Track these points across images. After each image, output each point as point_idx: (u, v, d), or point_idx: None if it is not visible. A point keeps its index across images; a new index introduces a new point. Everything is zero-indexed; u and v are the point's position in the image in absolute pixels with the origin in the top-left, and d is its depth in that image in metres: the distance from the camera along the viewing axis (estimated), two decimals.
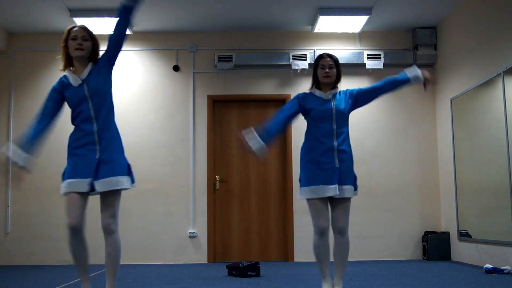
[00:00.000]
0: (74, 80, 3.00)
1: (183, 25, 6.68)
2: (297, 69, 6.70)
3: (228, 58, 6.64)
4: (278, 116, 3.52)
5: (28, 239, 6.45)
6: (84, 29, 3.04)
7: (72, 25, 3.09)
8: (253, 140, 3.34)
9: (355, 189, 3.45)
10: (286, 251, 6.60)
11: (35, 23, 6.50)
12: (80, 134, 2.98)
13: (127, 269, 5.77)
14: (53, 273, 5.43)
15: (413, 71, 3.47)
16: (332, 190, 3.30)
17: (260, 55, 6.74)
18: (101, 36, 7.47)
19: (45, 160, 6.52)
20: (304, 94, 3.54)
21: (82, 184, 2.89)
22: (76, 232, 2.90)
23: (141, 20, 6.46)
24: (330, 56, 3.49)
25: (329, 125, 3.39)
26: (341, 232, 3.38)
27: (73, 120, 3.02)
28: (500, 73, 5.15)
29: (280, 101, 6.81)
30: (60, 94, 3.04)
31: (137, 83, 6.75)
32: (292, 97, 6.63)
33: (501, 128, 5.12)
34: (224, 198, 6.70)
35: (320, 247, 3.38)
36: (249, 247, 6.63)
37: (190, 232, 6.51)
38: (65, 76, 3.06)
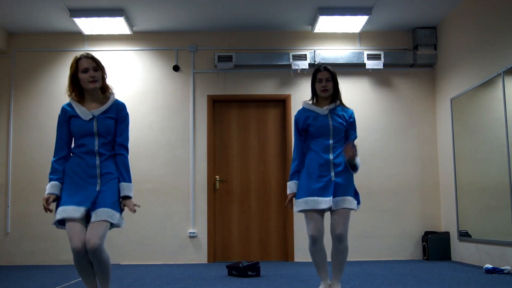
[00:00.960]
0: (83, 114, 2.93)
1: (183, 25, 6.68)
2: (297, 69, 6.70)
3: (228, 58, 6.64)
4: (294, 156, 3.58)
5: (28, 239, 6.45)
6: (92, 59, 2.94)
7: (78, 56, 2.96)
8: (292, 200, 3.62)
9: (358, 203, 3.47)
10: (286, 251, 6.60)
11: (35, 23, 6.50)
12: (82, 163, 2.92)
13: (127, 269, 5.77)
14: (53, 273, 5.43)
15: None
16: (326, 202, 3.35)
17: (260, 55, 6.74)
18: (102, 36, 7.48)
19: (46, 161, 6.52)
20: (300, 113, 3.56)
21: (77, 212, 2.85)
22: (82, 254, 2.91)
23: (141, 20, 6.46)
24: (326, 69, 3.50)
25: (326, 140, 3.44)
26: (339, 239, 3.38)
27: (76, 147, 2.96)
28: (500, 73, 5.15)
29: (280, 101, 6.81)
30: (67, 123, 2.95)
31: (137, 83, 6.75)
32: (292, 97, 6.73)
33: (501, 128, 5.12)
34: (224, 198, 6.70)
35: (314, 253, 3.50)
36: (249, 247, 6.63)
37: (190, 232, 6.51)
38: (68, 104, 2.97)
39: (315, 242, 3.45)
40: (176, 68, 6.79)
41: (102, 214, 2.87)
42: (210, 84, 6.79)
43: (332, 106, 3.49)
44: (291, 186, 3.52)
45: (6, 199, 6.53)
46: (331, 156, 3.39)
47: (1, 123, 6.66)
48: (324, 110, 3.47)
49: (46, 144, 6.56)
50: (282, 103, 6.82)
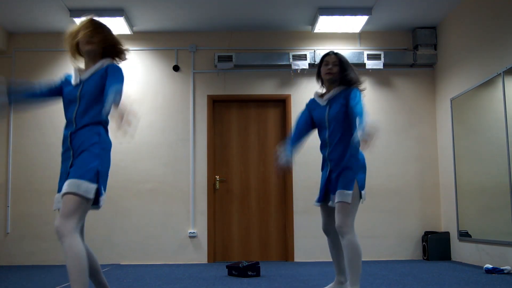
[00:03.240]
0: (75, 79, 2.75)
1: (183, 25, 6.68)
2: (297, 69, 6.70)
3: (228, 58, 6.64)
4: (294, 126, 3.56)
5: (28, 239, 6.45)
6: (94, 23, 2.81)
7: (82, 20, 2.82)
8: (281, 154, 3.46)
9: (360, 195, 3.24)
10: (286, 251, 6.60)
11: (35, 23, 6.50)
12: (63, 138, 2.72)
13: (127, 269, 5.77)
14: (53, 273, 5.43)
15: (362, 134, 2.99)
16: (316, 198, 3.42)
17: (260, 55, 6.74)
18: None
19: (45, 161, 6.53)
20: (311, 99, 3.54)
21: (59, 202, 2.56)
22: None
23: (141, 20, 6.46)
24: (335, 53, 3.42)
25: (324, 133, 3.39)
26: (340, 233, 3.21)
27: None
28: (500, 73, 5.15)
29: (280, 101, 6.81)
30: (61, 85, 2.82)
31: (137, 83, 6.75)
32: (292, 97, 6.73)
33: (501, 128, 5.12)
34: (224, 198, 6.70)
35: (328, 245, 3.50)
36: (249, 247, 6.63)
37: (190, 232, 6.51)
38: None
39: (327, 235, 3.48)
40: (176, 68, 6.79)
41: (65, 187, 2.46)
42: (210, 84, 6.79)
43: (333, 93, 3.36)
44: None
45: (6, 199, 6.53)
46: (326, 152, 3.35)
47: (1, 123, 6.66)
48: (324, 101, 3.40)
49: (46, 144, 6.57)
50: (282, 103, 6.82)
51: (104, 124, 2.74)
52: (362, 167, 3.31)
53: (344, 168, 3.26)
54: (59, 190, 2.61)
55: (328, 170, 3.35)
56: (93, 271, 2.74)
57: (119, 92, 2.51)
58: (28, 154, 6.59)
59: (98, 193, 2.57)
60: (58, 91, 2.84)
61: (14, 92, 2.79)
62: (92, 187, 2.50)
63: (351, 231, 3.16)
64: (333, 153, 3.31)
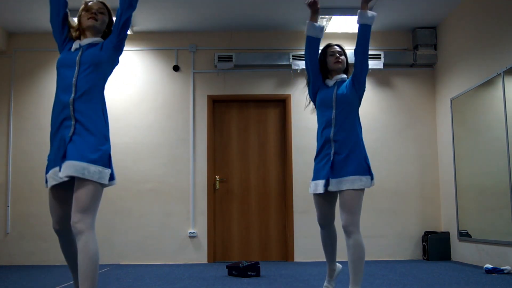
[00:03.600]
0: (74, 45, 2.68)
1: (183, 25, 6.68)
2: (297, 69, 6.70)
3: (228, 58, 6.64)
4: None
5: (28, 239, 6.45)
6: (101, 2, 2.77)
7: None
8: None
9: (371, 178, 3.11)
10: (286, 251, 6.60)
11: (35, 23, 6.50)
12: (58, 107, 2.51)
13: (127, 269, 5.77)
14: (53, 273, 5.43)
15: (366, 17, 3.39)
16: (320, 186, 3.15)
17: (260, 55, 6.74)
18: None
19: (45, 161, 6.52)
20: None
21: (55, 177, 2.42)
22: (62, 236, 2.57)
23: (141, 20, 6.46)
24: (337, 44, 3.54)
25: (328, 114, 3.27)
26: (345, 232, 3.04)
27: (56, 90, 2.59)
28: (500, 73, 5.15)
29: (280, 101, 6.81)
30: (66, 33, 2.74)
31: (137, 83, 6.75)
32: (292, 97, 6.73)
33: (501, 128, 5.12)
34: (224, 198, 6.70)
35: (322, 238, 3.36)
36: (249, 247, 6.63)
37: (190, 232, 6.51)
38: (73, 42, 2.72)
39: (322, 228, 3.32)
40: (176, 68, 6.79)
41: (70, 168, 2.31)
42: (210, 84, 6.79)
43: (341, 77, 3.44)
44: None
45: (6, 199, 6.53)
46: (331, 133, 3.18)
47: (1, 123, 6.66)
48: (331, 81, 3.44)
49: (46, 144, 6.52)
50: (282, 103, 6.82)
51: (103, 94, 2.64)
52: (366, 155, 3.20)
53: (351, 151, 3.12)
54: (54, 162, 2.47)
55: (332, 152, 3.16)
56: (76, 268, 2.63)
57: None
58: (28, 154, 6.58)
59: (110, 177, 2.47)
60: (63, 26, 2.76)
61: None
62: (107, 172, 2.40)
63: (358, 230, 3.03)
64: (339, 133, 3.18)
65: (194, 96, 6.76)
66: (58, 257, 6.31)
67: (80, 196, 2.31)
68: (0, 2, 5.86)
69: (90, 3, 2.75)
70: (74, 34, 2.74)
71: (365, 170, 3.10)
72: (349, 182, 3.06)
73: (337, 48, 3.50)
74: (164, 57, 6.82)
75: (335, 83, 3.42)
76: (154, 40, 6.84)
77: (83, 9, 2.73)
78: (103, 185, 2.42)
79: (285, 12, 6.28)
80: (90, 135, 2.42)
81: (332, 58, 3.46)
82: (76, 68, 2.56)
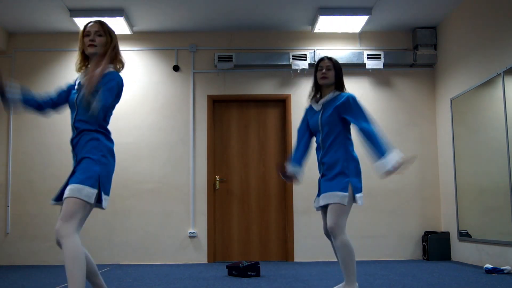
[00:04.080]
0: (76, 84, 2.81)
1: (183, 25, 6.68)
2: (297, 69, 6.70)
3: (228, 58, 6.64)
4: (297, 139, 3.66)
5: (28, 239, 6.45)
6: (99, 23, 2.78)
7: (88, 22, 2.82)
8: (288, 171, 3.59)
9: (355, 194, 3.28)
10: (286, 251, 6.60)
11: (35, 23, 6.50)
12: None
13: (127, 269, 5.77)
14: (53, 273, 5.43)
15: (389, 162, 3.13)
16: (316, 202, 3.49)
17: (260, 55, 6.74)
18: None
19: (45, 161, 6.54)
20: (308, 107, 3.60)
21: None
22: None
23: (141, 20, 6.46)
24: (329, 58, 3.49)
25: (318, 137, 3.46)
26: (331, 234, 3.26)
27: None
28: (500, 73, 5.15)
29: (280, 101, 6.81)
30: (69, 89, 2.86)
31: (137, 83, 6.75)
32: (292, 97, 6.73)
33: (501, 128, 5.12)
34: (224, 198, 6.70)
35: (333, 248, 3.49)
36: (249, 247, 6.63)
37: (190, 232, 6.51)
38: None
39: (328, 239, 3.51)
40: (176, 68, 6.79)
41: (67, 191, 2.58)
42: (210, 84, 6.79)
43: (327, 98, 3.42)
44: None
45: (6, 199, 6.53)
46: (320, 155, 3.43)
47: (1, 123, 6.66)
48: (318, 105, 3.46)
49: (46, 144, 6.57)
50: (282, 103, 6.83)
51: (102, 129, 2.76)
52: (357, 173, 3.35)
53: (337, 173, 3.31)
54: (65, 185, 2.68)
55: (321, 173, 3.44)
56: (90, 274, 2.81)
57: (103, 104, 2.59)
58: (28, 154, 6.59)
59: (100, 196, 2.66)
60: (67, 95, 2.87)
61: (26, 94, 2.80)
62: (93, 192, 2.60)
63: (342, 232, 3.22)
64: (326, 157, 3.37)
65: (194, 96, 6.76)
66: (58, 257, 6.32)
67: (66, 205, 2.58)
68: (0, 2, 5.86)
69: (88, 27, 2.79)
70: (79, 67, 2.85)
71: (343, 188, 3.26)
72: (326, 198, 3.31)
73: (326, 63, 3.46)
74: (164, 57, 6.82)
75: (322, 106, 3.45)
76: (154, 40, 6.84)
77: (83, 34, 2.79)
78: (88, 203, 2.60)
79: (285, 12, 6.28)
80: (82, 162, 2.67)
81: (319, 73, 3.46)
82: (75, 110, 2.75)
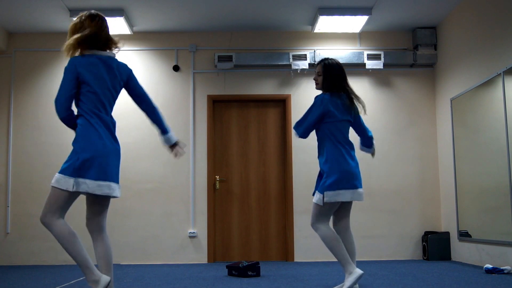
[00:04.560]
0: None
1: (183, 25, 6.68)
2: (297, 69, 6.70)
3: (228, 58, 6.64)
4: None
5: (28, 239, 6.45)
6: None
7: (102, 15, 3.02)
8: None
9: (319, 191, 3.59)
10: (286, 251, 6.60)
11: (35, 23, 6.50)
12: None
13: (127, 269, 5.77)
14: (53, 273, 5.43)
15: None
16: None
17: (260, 55, 6.74)
18: None
19: (45, 161, 6.54)
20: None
21: None
22: (90, 234, 3.00)
23: (141, 20, 6.46)
24: (322, 63, 3.65)
25: None
26: (313, 228, 3.67)
27: None
28: (500, 73, 5.15)
29: (280, 101, 6.81)
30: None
31: None
32: (292, 97, 6.73)
33: (501, 128, 5.12)
34: (224, 198, 6.70)
35: None
36: (249, 247, 6.63)
37: (190, 232, 6.51)
38: None
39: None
40: (176, 68, 6.79)
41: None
42: (210, 84, 6.79)
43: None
44: None
45: (6, 199, 6.53)
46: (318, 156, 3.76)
47: (1, 123, 6.66)
48: None
49: (46, 144, 6.57)
50: (282, 103, 6.82)
51: (87, 115, 2.83)
52: (338, 171, 3.52)
53: (320, 174, 3.63)
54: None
55: (319, 173, 3.71)
56: (102, 268, 2.90)
57: (56, 96, 2.82)
58: (28, 154, 6.59)
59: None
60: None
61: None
62: (60, 177, 2.73)
63: (318, 228, 3.56)
64: (319, 157, 3.70)
65: (194, 96, 6.76)
66: (58, 257, 6.32)
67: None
68: (0, 2, 5.86)
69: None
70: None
71: (320, 189, 3.57)
72: (314, 197, 3.65)
73: (318, 68, 3.67)
74: (164, 57, 6.82)
75: None
76: (154, 40, 6.84)
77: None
78: (61, 190, 2.74)
79: (285, 12, 6.28)
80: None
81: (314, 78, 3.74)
82: None
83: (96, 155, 2.76)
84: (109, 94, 2.92)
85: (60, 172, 2.73)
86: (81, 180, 2.72)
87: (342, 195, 3.49)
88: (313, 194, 3.66)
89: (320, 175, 3.63)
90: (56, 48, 6.74)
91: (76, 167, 2.71)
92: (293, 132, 3.65)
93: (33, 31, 6.75)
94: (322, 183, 3.54)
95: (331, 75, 3.58)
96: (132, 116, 6.66)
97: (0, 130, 6.64)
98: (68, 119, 2.82)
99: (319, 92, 3.74)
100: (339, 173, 3.50)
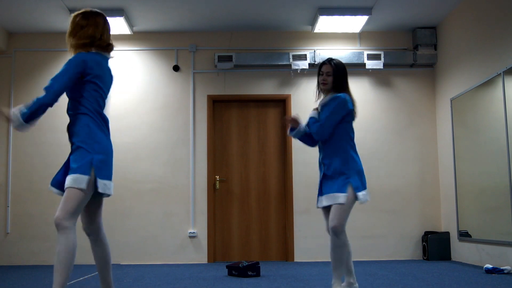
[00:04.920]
0: None
1: (183, 25, 6.68)
2: (297, 69, 6.70)
3: (228, 58, 6.64)
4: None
5: (28, 239, 6.45)
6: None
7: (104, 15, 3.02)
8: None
9: (356, 192, 3.32)
10: (286, 251, 6.60)
11: (35, 23, 6.50)
12: None
13: (127, 269, 5.77)
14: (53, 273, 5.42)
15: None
16: (319, 202, 3.47)
17: (260, 55, 6.73)
18: None
19: (45, 161, 6.53)
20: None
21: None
22: (89, 237, 2.94)
23: (141, 20, 6.46)
24: (330, 62, 3.48)
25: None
26: (334, 233, 3.30)
27: None
28: (500, 73, 5.15)
29: (280, 101, 6.81)
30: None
31: (137, 83, 6.75)
32: (292, 97, 6.73)
33: (501, 128, 5.12)
34: (224, 198, 6.70)
35: None
36: (249, 247, 6.63)
37: (190, 232, 6.51)
38: None
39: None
40: (176, 68, 6.79)
41: (66, 182, 2.72)
42: (210, 84, 6.79)
43: (325, 100, 3.48)
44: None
45: (6, 199, 6.53)
46: (321, 157, 3.49)
47: (1, 123, 6.66)
48: (318, 107, 3.55)
49: (46, 144, 6.57)
50: (282, 103, 6.82)
51: (91, 113, 2.80)
52: (357, 171, 3.38)
53: (338, 174, 3.36)
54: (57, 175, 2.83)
55: (322, 174, 3.46)
56: (103, 268, 2.89)
57: (50, 83, 2.70)
58: (28, 154, 6.59)
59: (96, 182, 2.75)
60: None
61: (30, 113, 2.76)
62: (80, 177, 2.69)
63: (344, 231, 3.29)
64: (325, 158, 3.44)
65: (194, 96, 6.76)
66: None
67: (63, 197, 2.73)
68: (0, 2, 5.86)
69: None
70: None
71: (344, 188, 3.30)
72: (329, 198, 3.34)
73: (327, 68, 3.48)
74: (164, 57, 6.82)
75: (320, 108, 3.53)
76: (154, 40, 6.84)
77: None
78: (81, 189, 2.70)
79: (285, 12, 6.28)
80: (75, 151, 2.78)
81: (320, 78, 3.51)
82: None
83: (107, 156, 2.81)
84: (107, 95, 2.94)
85: (74, 173, 2.68)
86: (98, 179, 2.73)
87: (369, 195, 3.43)
88: (320, 196, 3.43)
89: (330, 177, 3.38)
90: (56, 48, 6.74)
91: (93, 166, 2.72)
92: (314, 136, 3.42)
93: (33, 31, 6.75)
94: (354, 182, 3.32)
95: (342, 75, 3.52)
96: (132, 116, 6.67)
97: (0, 130, 6.64)
98: (45, 109, 2.71)
99: (318, 92, 3.67)
100: (361, 173, 3.41)
